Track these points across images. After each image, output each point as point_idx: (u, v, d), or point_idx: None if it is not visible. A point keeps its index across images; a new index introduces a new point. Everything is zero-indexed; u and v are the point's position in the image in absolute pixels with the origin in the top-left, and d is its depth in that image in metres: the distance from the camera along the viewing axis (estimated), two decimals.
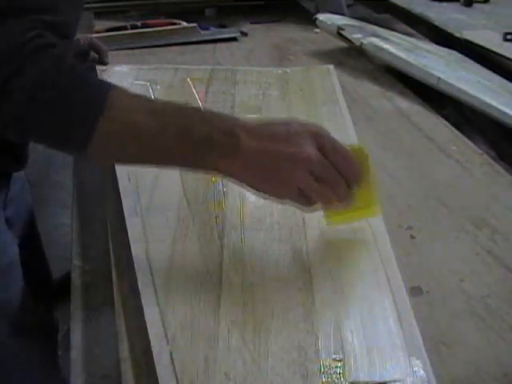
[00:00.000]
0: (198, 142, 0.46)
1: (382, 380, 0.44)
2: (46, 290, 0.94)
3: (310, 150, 0.47)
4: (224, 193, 0.65)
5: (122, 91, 0.48)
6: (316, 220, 0.61)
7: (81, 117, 0.45)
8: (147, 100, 0.51)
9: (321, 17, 1.19)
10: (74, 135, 0.46)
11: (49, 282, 0.99)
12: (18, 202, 0.77)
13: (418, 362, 0.45)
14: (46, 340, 0.82)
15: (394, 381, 0.44)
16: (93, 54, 0.92)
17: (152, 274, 0.52)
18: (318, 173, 0.48)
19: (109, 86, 0.47)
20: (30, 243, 0.82)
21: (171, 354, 0.44)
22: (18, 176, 0.75)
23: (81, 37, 0.90)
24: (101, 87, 0.46)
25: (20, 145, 0.67)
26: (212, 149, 0.46)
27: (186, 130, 0.46)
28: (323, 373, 0.44)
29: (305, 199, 0.50)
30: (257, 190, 0.49)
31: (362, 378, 0.44)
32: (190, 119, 0.47)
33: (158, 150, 0.47)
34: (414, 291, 0.54)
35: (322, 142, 0.49)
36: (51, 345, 0.85)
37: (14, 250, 0.71)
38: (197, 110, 0.49)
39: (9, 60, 0.44)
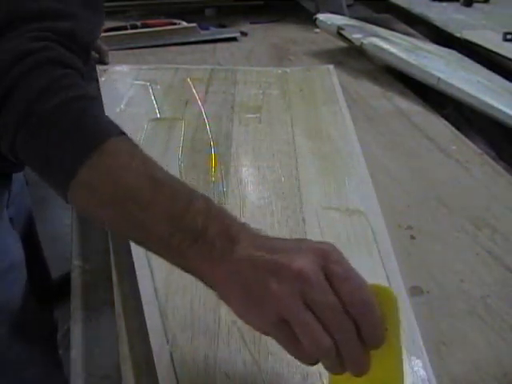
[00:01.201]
0: (189, 230, 0.36)
1: None
2: (45, 290, 0.94)
3: (308, 265, 0.33)
4: (224, 193, 0.65)
5: (126, 143, 0.41)
6: (316, 220, 0.61)
7: (61, 159, 0.39)
8: (150, 163, 0.40)
9: (321, 17, 1.19)
10: (54, 176, 0.40)
11: (48, 281, 1.00)
12: (19, 202, 0.77)
13: (418, 361, 0.45)
14: (46, 339, 0.82)
15: None
16: (93, 54, 0.92)
17: (152, 274, 0.52)
18: (312, 300, 0.32)
19: (108, 132, 0.40)
20: (30, 243, 0.82)
21: (171, 354, 0.44)
22: (18, 176, 0.75)
23: None
24: (96, 132, 0.39)
25: None
26: (200, 244, 0.35)
27: (181, 212, 0.36)
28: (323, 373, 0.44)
29: (289, 337, 0.33)
30: (234, 311, 0.36)
31: None
32: (190, 203, 0.37)
33: (139, 225, 0.37)
34: (414, 291, 0.54)
35: (332, 265, 0.34)
36: (52, 343, 0.86)
37: (18, 250, 0.71)
38: (206, 198, 0.38)
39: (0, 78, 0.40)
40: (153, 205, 0.37)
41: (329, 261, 0.34)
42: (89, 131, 0.39)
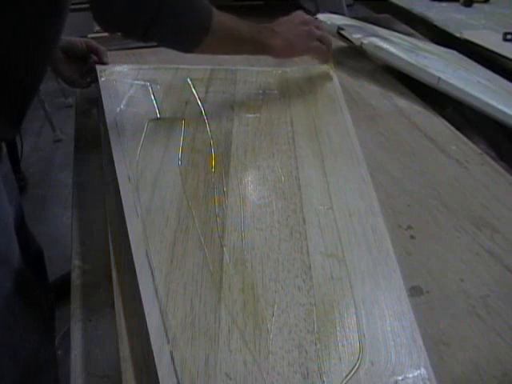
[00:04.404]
0: (260, 34, 0.79)
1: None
2: (37, 263, 0.96)
3: (309, 25, 0.86)
4: (224, 192, 0.65)
5: (220, 14, 0.72)
6: (316, 220, 0.61)
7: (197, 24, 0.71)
8: (234, 19, 0.76)
9: (321, 17, 1.19)
10: (189, 38, 0.71)
11: (39, 255, 1.01)
12: (5, 166, 0.80)
13: (418, 361, 0.45)
14: (41, 308, 0.84)
15: (395, 381, 0.44)
16: (92, 56, 0.92)
17: (152, 274, 0.52)
18: (317, 35, 0.87)
19: (211, 10, 0.71)
20: (17, 216, 0.83)
21: (171, 354, 0.44)
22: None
23: (77, 39, 0.90)
24: (208, 10, 0.71)
25: (18, 109, 0.71)
26: (267, 34, 0.80)
27: (253, 28, 0.78)
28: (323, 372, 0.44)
29: (318, 46, 0.87)
30: (292, 46, 0.83)
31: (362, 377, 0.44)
32: (257, 28, 0.80)
33: (243, 43, 0.78)
34: (414, 291, 0.54)
35: (314, 25, 0.87)
36: (48, 314, 0.88)
37: (8, 208, 0.74)
38: (250, 23, 0.78)
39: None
40: (247, 36, 0.78)
41: (314, 22, 0.88)
42: (204, 9, 0.71)
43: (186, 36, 0.70)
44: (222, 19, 0.72)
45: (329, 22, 1.16)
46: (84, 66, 0.92)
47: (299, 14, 0.87)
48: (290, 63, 1.12)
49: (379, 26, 1.25)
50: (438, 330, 0.50)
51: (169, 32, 0.68)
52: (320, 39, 0.87)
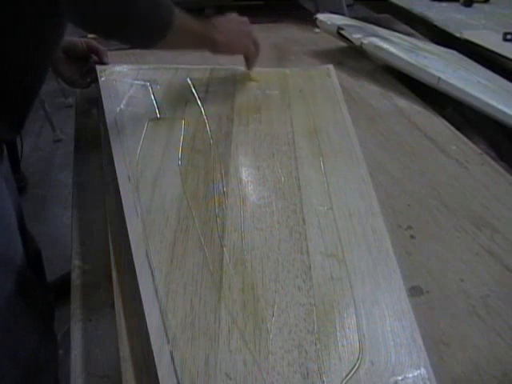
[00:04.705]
0: (207, 29, 0.79)
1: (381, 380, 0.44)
2: (36, 264, 0.96)
3: (249, 27, 0.88)
4: (224, 193, 0.65)
5: (178, 10, 0.72)
6: (316, 220, 0.61)
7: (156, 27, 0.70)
8: (188, 17, 0.76)
9: (321, 17, 1.19)
10: (153, 34, 0.70)
11: (38, 256, 1.01)
12: (6, 167, 0.80)
13: (418, 361, 0.45)
14: (41, 308, 0.84)
15: (395, 381, 0.44)
16: (93, 56, 0.92)
17: (152, 274, 0.52)
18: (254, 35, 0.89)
19: (172, 7, 0.71)
20: (16, 216, 0.84)
21: (171, 354, 0.44)
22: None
23: (78, 39, 0.90)
24: (170, 7, 0.71)
25: (19, 112, 0.71)
26: (212, 30, 0.80)
27: (201, 24, 0.79)
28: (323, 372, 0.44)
29: (254, 49, 0.89)
30: (228, 50, 0.84)
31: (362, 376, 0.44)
32: (205, 23, 0.80)
33: (196, 38, 0.78)
34: (414, 291, 0.54)
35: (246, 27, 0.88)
36: (47, 313, 0.88)
37: (11, 208, 0.74)
38: (205, 22, 0.80)
39: None
40: (199, 31, 0.78)
41: (249, 24, 0.88)
42: (166, 8, 0.70)
43: (151, 33, 0.70)
44: (180, 15, 0.72)
45: (329, 22, 1.16)
46: (84, 66, 0.92)
47: (235, 15, 0.87)
48: (290, 63, 1.13)
49: (379, 25, 1.25)
50: (438, 330, 0.50)
51: (134, 29, 0.67)
52: (254, 42, 0.88)
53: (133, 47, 0.77)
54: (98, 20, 0.64)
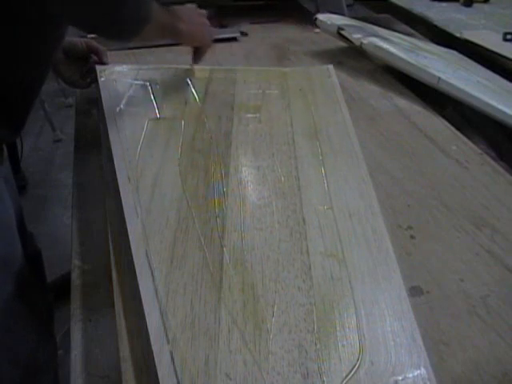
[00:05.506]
0: (172, 18, 0.78)
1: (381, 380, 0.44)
2: (36, 264, 0.96)
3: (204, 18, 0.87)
4: (224, 193, 0.65)
5: (154, 4, 0.72)
6: (316, 220, 0.61)
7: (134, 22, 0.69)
8: (162, 10, 0.76)
9: (321, 17, 1.19)
10: (129, 28, 0.69)
11: (37, 256, 1.01)
12: (6, 168, 0.80)
13: (418, 361, 0.45)
14: (40, 309, 0.84)
15: (395, 381, 0.44)
16: (93, 56, 0.92)
17: (152, 274, 0.52)
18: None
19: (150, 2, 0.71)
20: (16, 217, 0.84)
21: (171, 354, 0.44)
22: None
23: (78, 40, 0.90)
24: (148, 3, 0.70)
25: (19, 113, 0.71)
26: (176, 19, 0.78)
27: (166, 13, 0.77)
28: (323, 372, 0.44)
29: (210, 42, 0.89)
30: (191, 39, 0.85)
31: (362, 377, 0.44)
32: (172, 13, 0.79)
33: (165, 28, 0.76)
34: (414, 291, 0.54)
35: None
36: (46, 314, 0.88)
37: (11, 208, 0.74)
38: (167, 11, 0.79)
39: None
40: (167, 22, 0.76)
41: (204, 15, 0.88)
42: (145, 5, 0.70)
43: (131, 26, 0.69)
44: (155, 7, 0.71)
45: (329, 22, 1.16)
46: (84, 67, 0.92)
47: (194, 7, 0.87)
48: (290, 63, 1.13)
49: (379, 25, 1.25)
50: (438, 330, 0.50)
51: (114, 22, 0.66)
52: (210, 35, 0.89)
53: (110, 39, 0.77)
54: (83, 13, 0.62)
